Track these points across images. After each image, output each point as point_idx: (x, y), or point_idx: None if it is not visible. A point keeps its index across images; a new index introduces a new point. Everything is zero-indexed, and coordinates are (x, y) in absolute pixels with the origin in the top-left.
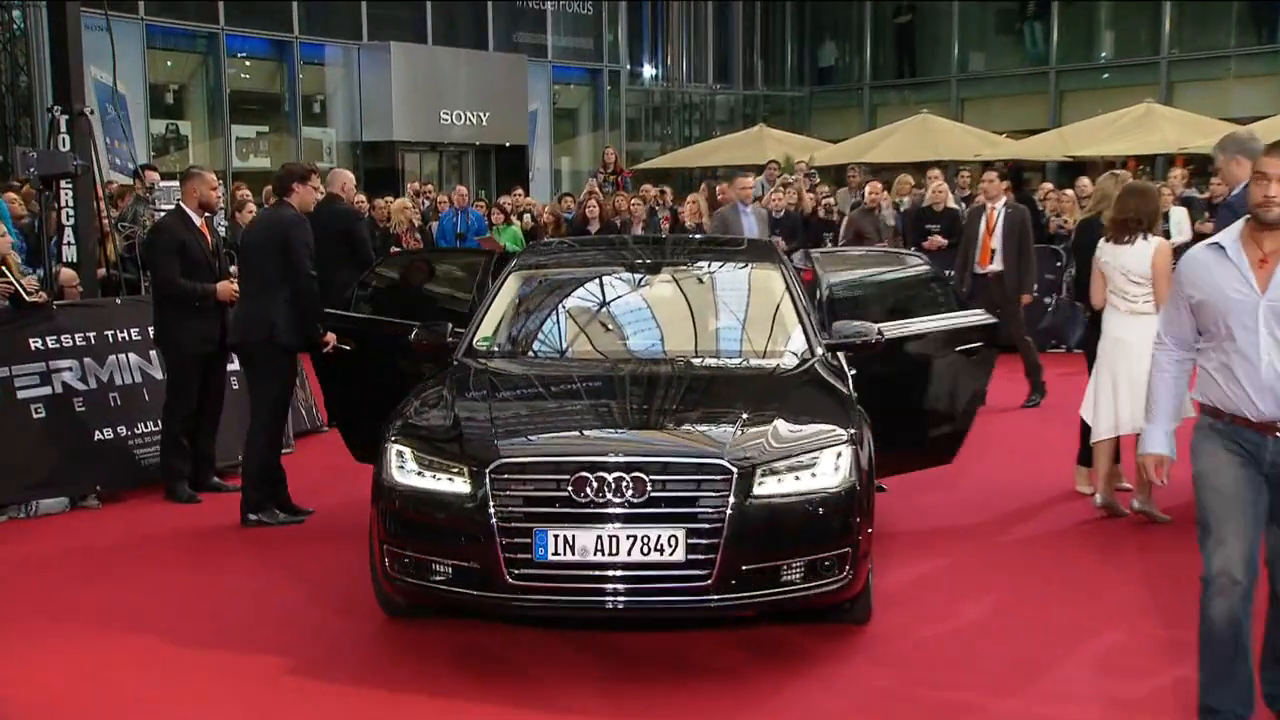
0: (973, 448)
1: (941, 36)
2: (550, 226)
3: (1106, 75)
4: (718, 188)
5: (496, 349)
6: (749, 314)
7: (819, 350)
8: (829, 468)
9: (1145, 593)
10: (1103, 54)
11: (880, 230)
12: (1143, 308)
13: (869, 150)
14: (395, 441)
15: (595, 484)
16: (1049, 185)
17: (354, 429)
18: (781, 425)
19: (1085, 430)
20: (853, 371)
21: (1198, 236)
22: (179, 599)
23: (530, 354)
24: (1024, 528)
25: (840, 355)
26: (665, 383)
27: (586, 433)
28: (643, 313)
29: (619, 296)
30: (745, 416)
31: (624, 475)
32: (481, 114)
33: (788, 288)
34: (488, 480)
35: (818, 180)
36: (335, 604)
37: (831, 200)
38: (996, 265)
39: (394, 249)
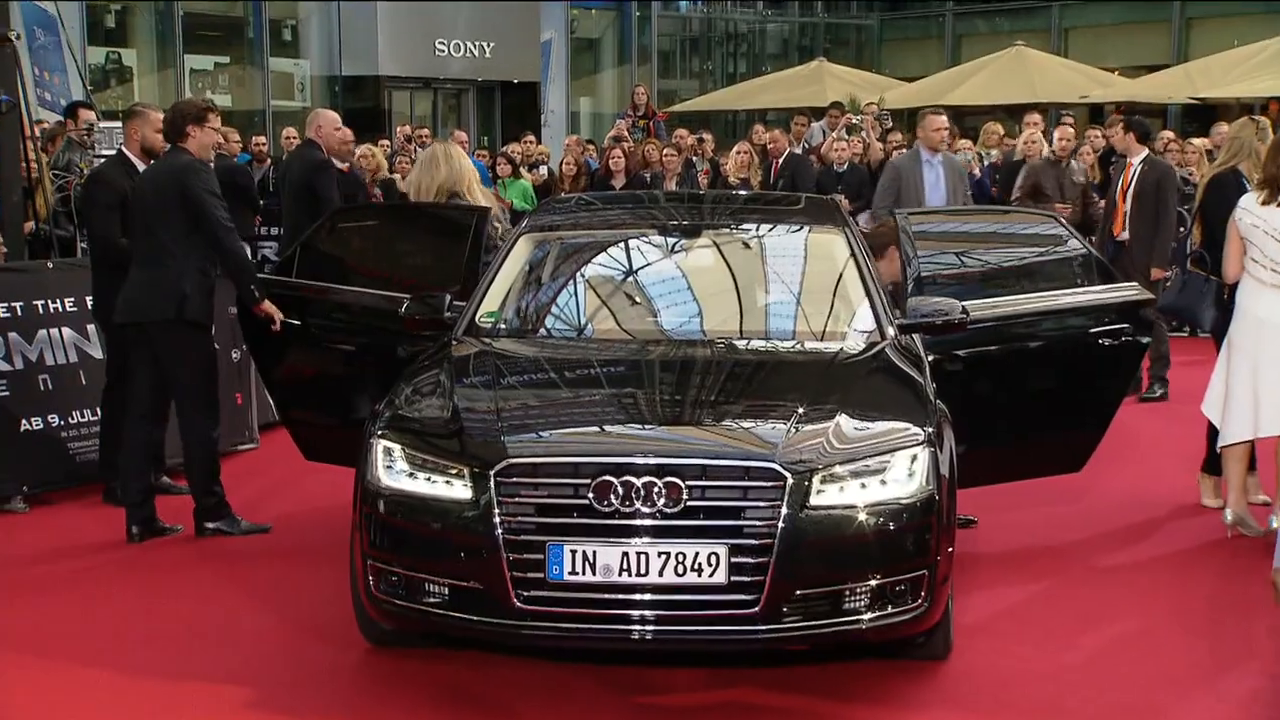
0: None
1: None
2: (569, 179)
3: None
4: (768, 135)
5: (503, 326)
6: (805, 287)
7: (890, 331)
8: (902, 473)
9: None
10: None
11: (1065, 188)
12: None
13: (951, 91)
14: (383, 437)
15: (621, 490)
16: (1170, 133)
17: (302, 421)
18: (845, 422)
19: (1213, 432)
20: (932, 358)
21: None
22: (124, 623)
23: (543, 333)
24: (1137, 548)
25: (917, 338)
26: (704, 369)
27: (610, 428)
28: (678, 285)
29: (649, 265)
30: (801, 411)
31: (655, 480)
32: (485, 45)
33: (853, 255)
34: (493, 484)
35: (890, 125)
36: (310, 629)
37: (906, 150)
38: (1127, 233)
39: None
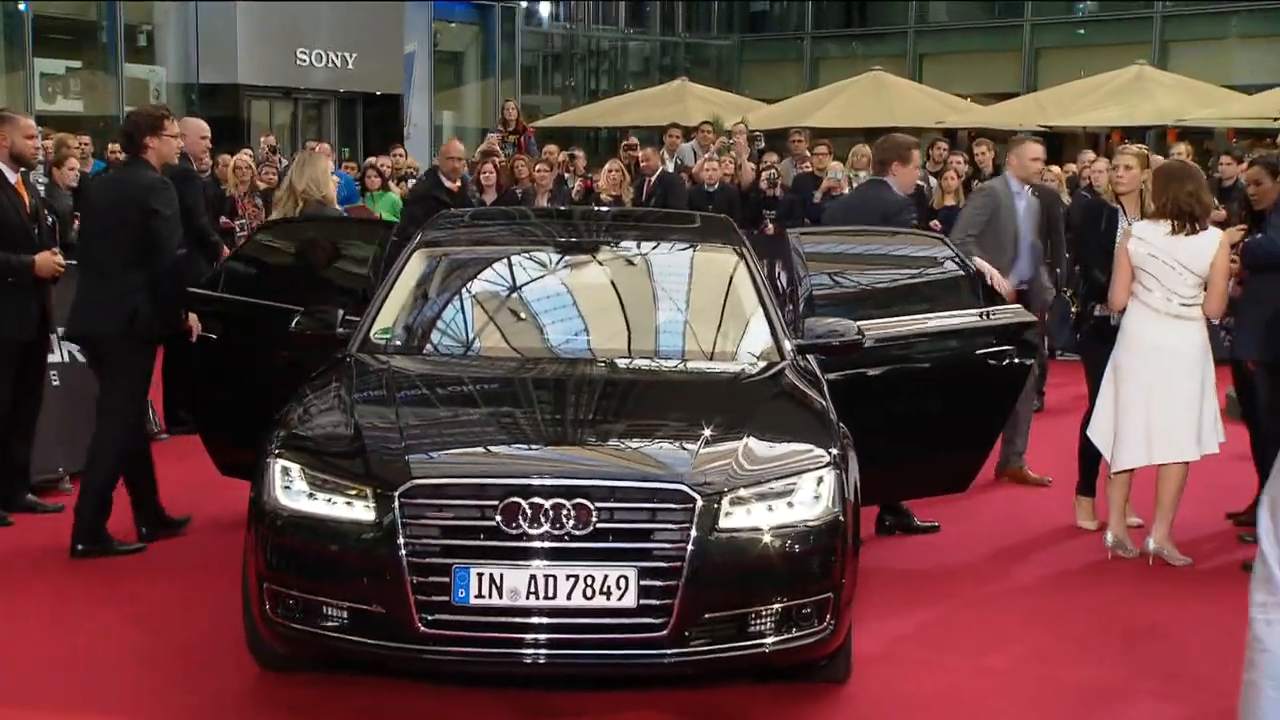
0: None
1: None
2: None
3: (1085, 32)
4: (640, 154)
5: (399, 343)
6: (704, 306)
7: (788, 352)
8: (808, 496)
9: (1169, 651)
10: (1084, 5)
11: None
12: (1192, 312)
13: (812, 113)
14: (280, 455)
15: (529, 511)
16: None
17: (219, 435)
18: (751, 443)
19: (1086, 456)
20: (830, 376)
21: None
22: None
23: (441, 350)
24: (1021, 570)
25: (813, 359)
26: (610, 389)
27: (516, 448)
28: (580, 302)
29: (548, 282)
30: (707, 433)
31: (564, 502)
32: (347, 55)
33: (750, 274)
34: (397, 505)
35: (763, 145)
36: (197, 654)
37: (774, 171)
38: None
39: (225, 220)
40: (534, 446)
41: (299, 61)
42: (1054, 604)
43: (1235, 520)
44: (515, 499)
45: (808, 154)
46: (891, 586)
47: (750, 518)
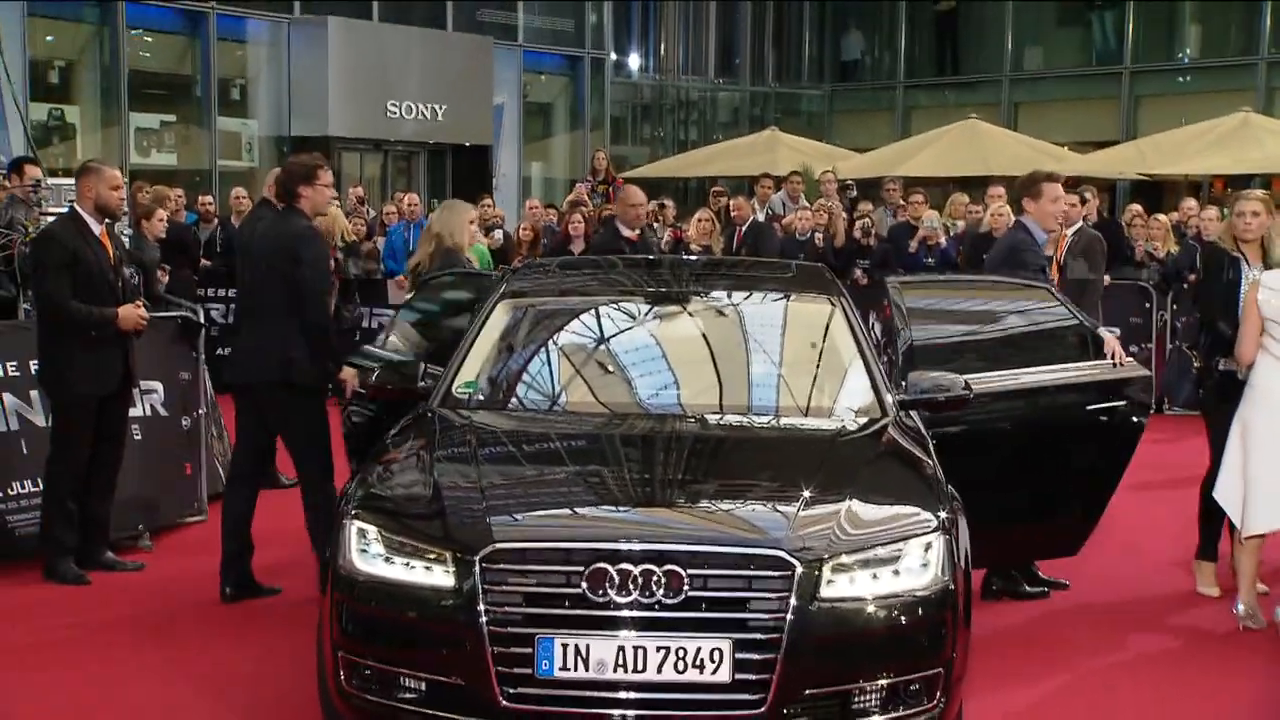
0: None
1: (990, 26)
2: (526, 244)
3: (1187, 79)
4: (731, 203)
5: (482, 397)
6: (800, 360)
7: (891, 408)
8: (915, 563)
9: None
10: (1186, 51)
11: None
12: None
13: (904, 162)
14: (357, 517)
15: (617, 578)
16: (1137, 207)
17: None
18: (853, 506)
19: (1208, 517)
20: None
21: None
22: (65, 715)
23: (523, 405)
24: (1142, 640)
25: (917, 416)
26: (700, 447)
27: (603, 510)
28: (670, 356)
29: (637, 334)
30: (807, 494)
31: (654, 568)
32: (437, 107)
33: (848, 324)
34: (478, 570)
35: (855, 194)
36: None
37: (869, 220)
38: None
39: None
40: (621, 508)
41: (389, 114)
42: (1179, 678)
43: None
44: (602, 565)
45: (902, 203)
46: (1006, 656)
47: (854, 586)
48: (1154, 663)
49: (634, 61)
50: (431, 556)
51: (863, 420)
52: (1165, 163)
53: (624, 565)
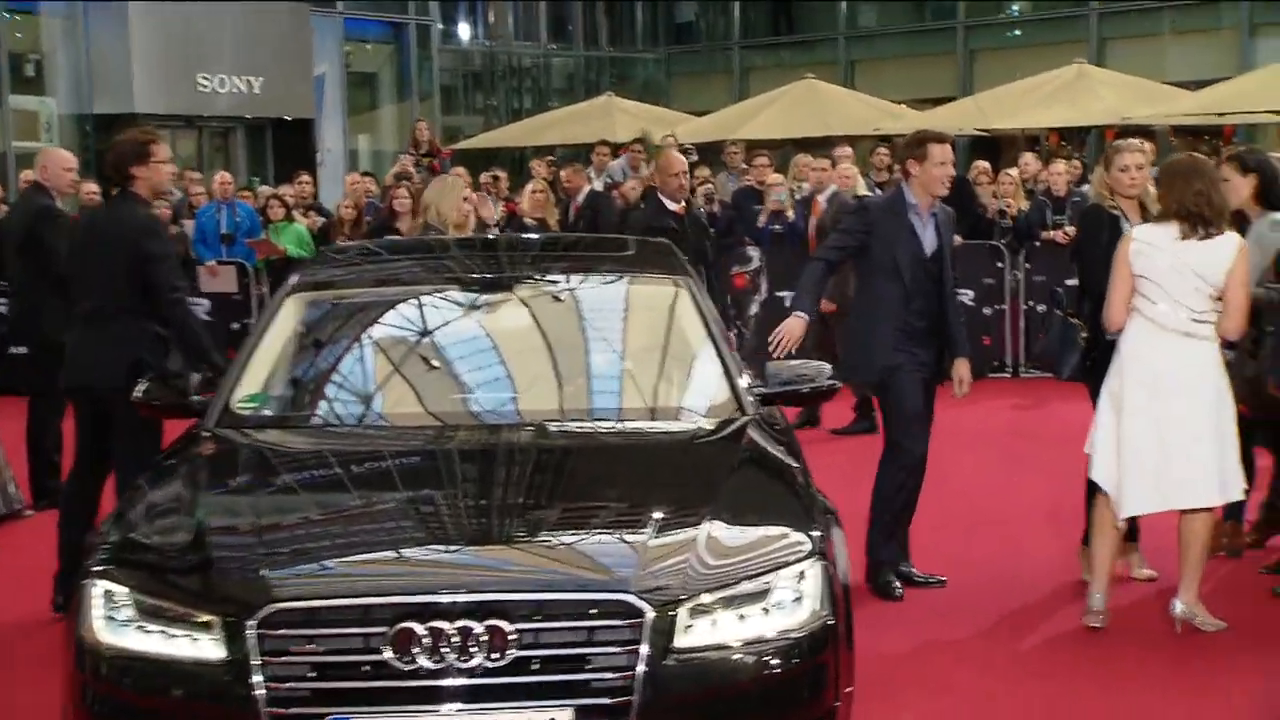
0: (939, 508)
1: None
2: (349, 223)
3: (1020, 32)
4: (562, 173)
5: (269, 413)
6: (645, 352)
7: (749, 404)
8: (788, 597)
9: None
10: (1017, 5)
11: None
12: (1204, 329)
13: (745, 124)
14: (103, 575)
15: (429, 639)
16: (984, 164)
17: None
18: (716, 530)
19: (1094, 499)
20: None
21: None
22: None
23: (322, 421)
24: (1029, 646)
25: (781, 412)
26: (528, 464)
27: (412, 553)
28: (488, 355)
29: (452, 330)
30: (659, 519)
31: (474, 624)
32: (253, 79)
33: (697, 309)
34: (253, 637)
35: (695, 159)
36: None
37: (712, 186)
38: None
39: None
40: (435, 550)
41: (200, 87)
42: (1071, 689)
43: (1270, 571)
44: (410, 623)
45: (745, 166)
46: (891, 677)
47: (716, 631)
48: (1041, 677)
49: (463, 29)
50: (195, 622)
51: (718, 421)
52: (1003, 117)
53: (437, 623)
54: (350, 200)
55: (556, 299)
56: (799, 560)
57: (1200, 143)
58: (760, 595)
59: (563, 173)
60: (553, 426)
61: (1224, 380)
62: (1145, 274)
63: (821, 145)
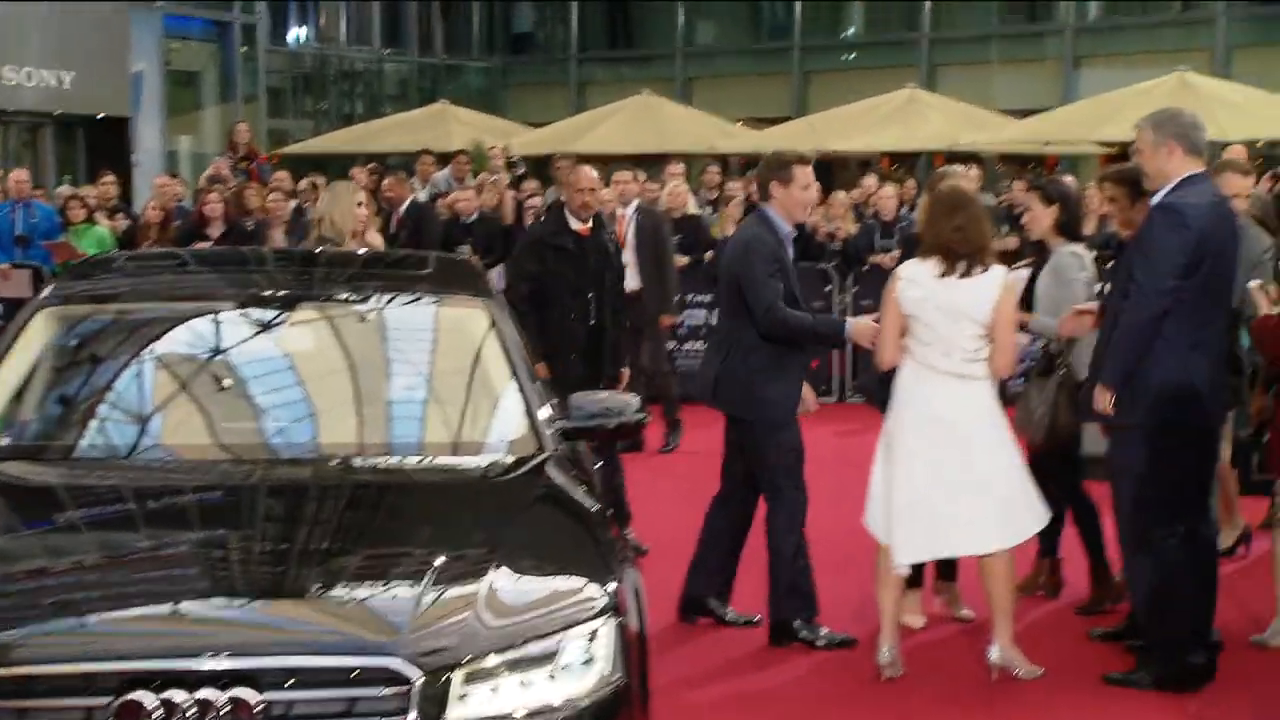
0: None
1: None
2: (155, 227)
3: (853, 55)
4: (384, 182)
5: (9, 442)
6: (437, 380)
7: (549, 439)
8: (576, 658)
9: None
10: (852, 28)
11: None
12: (977, 369)
13: (581, 137)
14: None
15: (160, 713)
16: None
17: None
18: (501, 583)
19: None
20: None
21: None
22: None
23: (67, 451)
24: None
25: (584, 448)
26: (298, 505)
27: (148, 610)
28: (263, 380)
29: (222, 352)
30: (438, 566)
31: (215, 694)
32: (63, 74)
33: (498, 333)
34: None
35: (523, 171)
36: None
37: (539, 200)
38: (633, 283)
39: None
40: (181, 605)
41: (5, 80)
42: None
43: (1082, 613)
44: (139, 693)
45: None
46: None
47: (497, 699)
48: None
49: (292, 29)
50: None
51: (514, 458)
52: (837, 138)
53: (171, 693)
54: (157, 203)
55: (341, 320)
56: (591, 617)
57: (1025, 171)
58: (547, 658)
59: (385, 182)
60: (328, 462)
61: (1003, 419)
62: (914, 313)
63: (657, 161)
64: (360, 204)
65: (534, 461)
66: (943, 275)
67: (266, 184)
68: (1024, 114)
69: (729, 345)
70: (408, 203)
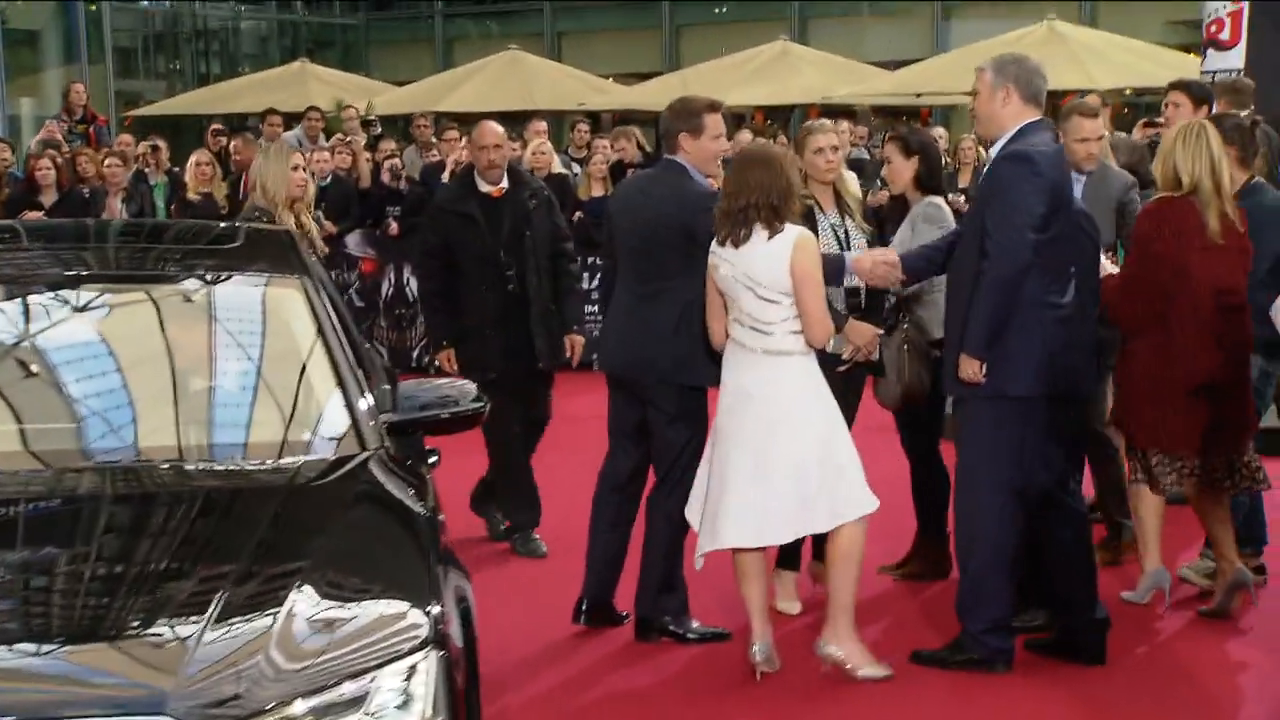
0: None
1: None
2: None
3: (725, 9)
4: (232, 144)
5: None
6: (240, 372)
7: (373, 435)
8: (391, 700)
9: None
10: None
11: None
12: (789, 343)
13: (446, 96)
14: None
15: None
16: None
17: None
18: (301, 610)
19: None
20: None
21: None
22: None
23: None
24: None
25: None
26: (73, 525)
27: None
28: (47, 378)
29: (16, 342)
30: (225, 596)
31: None
32: None
33: (315, 317)
34: None
35: (380, 132)
36: None
37: (399, 161)
38: None
39: None
40: None
41: None
42: None
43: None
44: None
45: (433, 140)
46: None
47: None
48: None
49: None
50: None
51: (329, 459)
52: (709, 94)
53: None
54: None
55: (134, 305)
56: (409, 651)
57: (899, 123)
58: (355, 702)
59: (232, 144)
60: (106, 472)
61: (820, 397)
62: (724, 289)
63: (524, 119)
64: (296, 168)
65: (353, 462)
66: (733, 244)
67: (106, 148)
68: (896, 66)
69: (658, 308)
70: (254, 165)
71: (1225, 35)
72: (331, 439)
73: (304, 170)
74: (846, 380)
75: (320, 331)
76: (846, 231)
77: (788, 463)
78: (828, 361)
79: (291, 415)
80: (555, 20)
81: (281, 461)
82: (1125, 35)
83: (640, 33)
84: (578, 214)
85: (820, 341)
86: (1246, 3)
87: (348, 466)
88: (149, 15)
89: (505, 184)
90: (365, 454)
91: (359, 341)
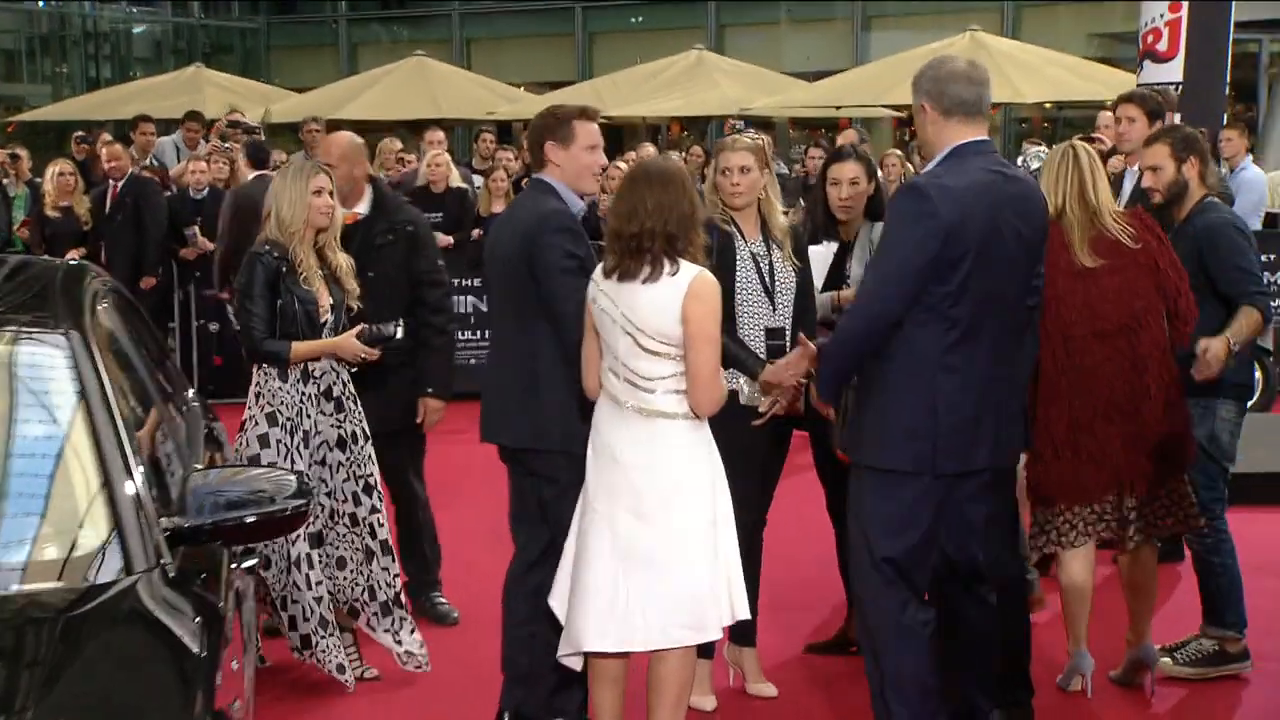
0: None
1: None
2: None
3: (639, 18)
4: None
5: None
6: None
7: (141, 551)
8: None
9: None
10: None
11: None
12: (662, 402)
13: (347, 103)
14: None
15: None
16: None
17: None
18: None
19: None
20: None
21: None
22: None
23: None
24: None
25: (226, 553)
26: None
27: None
28: None
29: None
30: None
31: None
32: None
33: (79, 385)
34: None
35: (260, 136)
36: None
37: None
38: None
39: None
40: None
41: None
42: None
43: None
44: None
45: None
46: None
47: None
48: None
49: None
50: None
51: (84, 588)
52: (622, 104)
53: None
54: None
55: None
56: None
57: (818, 135)
58: None
59: (105, 150)
60: None
61: (708, 471)
62: (598, 327)
63: (430, 128)
64: (320, 191)
65: (110, 591)
66: (617, 277)
67: None
68: (815, 77)
69: (506, 363)
70: (127, 176)
71: (1163, 46)
72: (85, 558)
73: (329, 194)
74: (772, 435)
75: (85, 405)
76: (771, 265)
77: (652, 554)
78: (743, 415)
79: (36, 529)
80: (464, 26)
81: (9, 590)
82: (1047, 47)
83: (552, 40)
84: (477, 231)
85: (706, 411)
86: (1186, 6)
87: (100, 599)
88: (34, 16)
89: (364, 210)
90: (130, 579)
91: (167, 412)
